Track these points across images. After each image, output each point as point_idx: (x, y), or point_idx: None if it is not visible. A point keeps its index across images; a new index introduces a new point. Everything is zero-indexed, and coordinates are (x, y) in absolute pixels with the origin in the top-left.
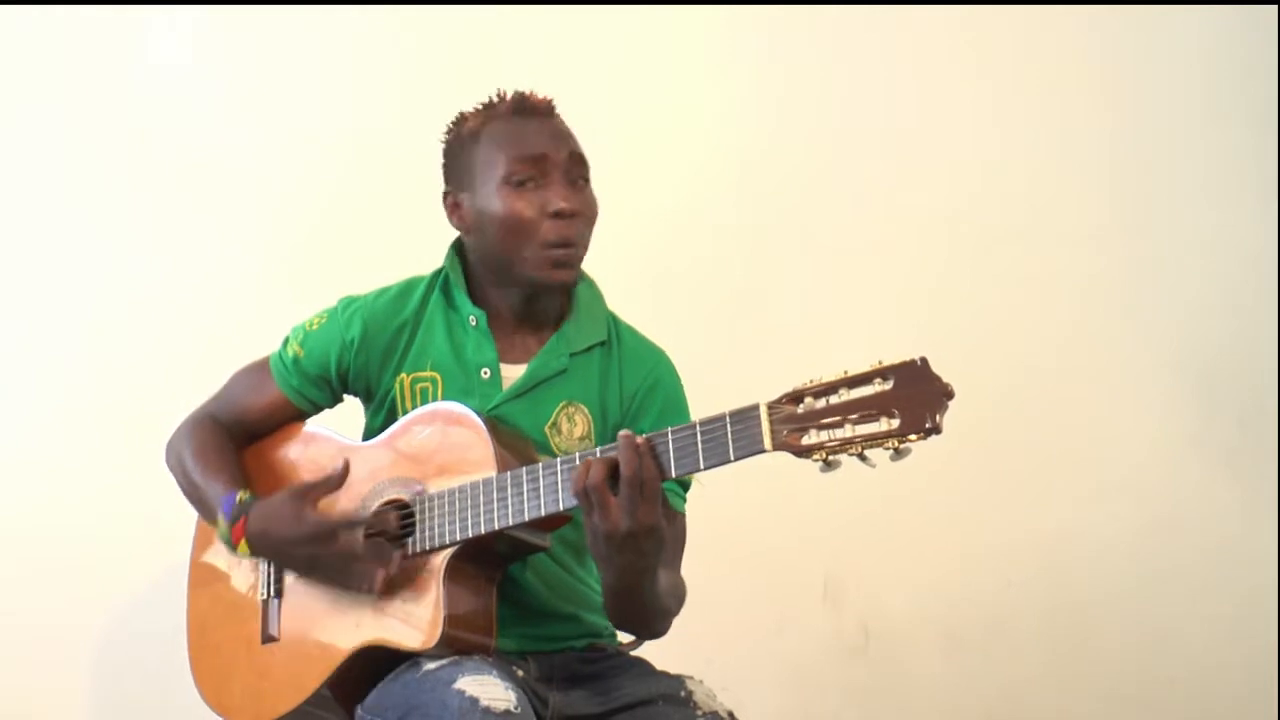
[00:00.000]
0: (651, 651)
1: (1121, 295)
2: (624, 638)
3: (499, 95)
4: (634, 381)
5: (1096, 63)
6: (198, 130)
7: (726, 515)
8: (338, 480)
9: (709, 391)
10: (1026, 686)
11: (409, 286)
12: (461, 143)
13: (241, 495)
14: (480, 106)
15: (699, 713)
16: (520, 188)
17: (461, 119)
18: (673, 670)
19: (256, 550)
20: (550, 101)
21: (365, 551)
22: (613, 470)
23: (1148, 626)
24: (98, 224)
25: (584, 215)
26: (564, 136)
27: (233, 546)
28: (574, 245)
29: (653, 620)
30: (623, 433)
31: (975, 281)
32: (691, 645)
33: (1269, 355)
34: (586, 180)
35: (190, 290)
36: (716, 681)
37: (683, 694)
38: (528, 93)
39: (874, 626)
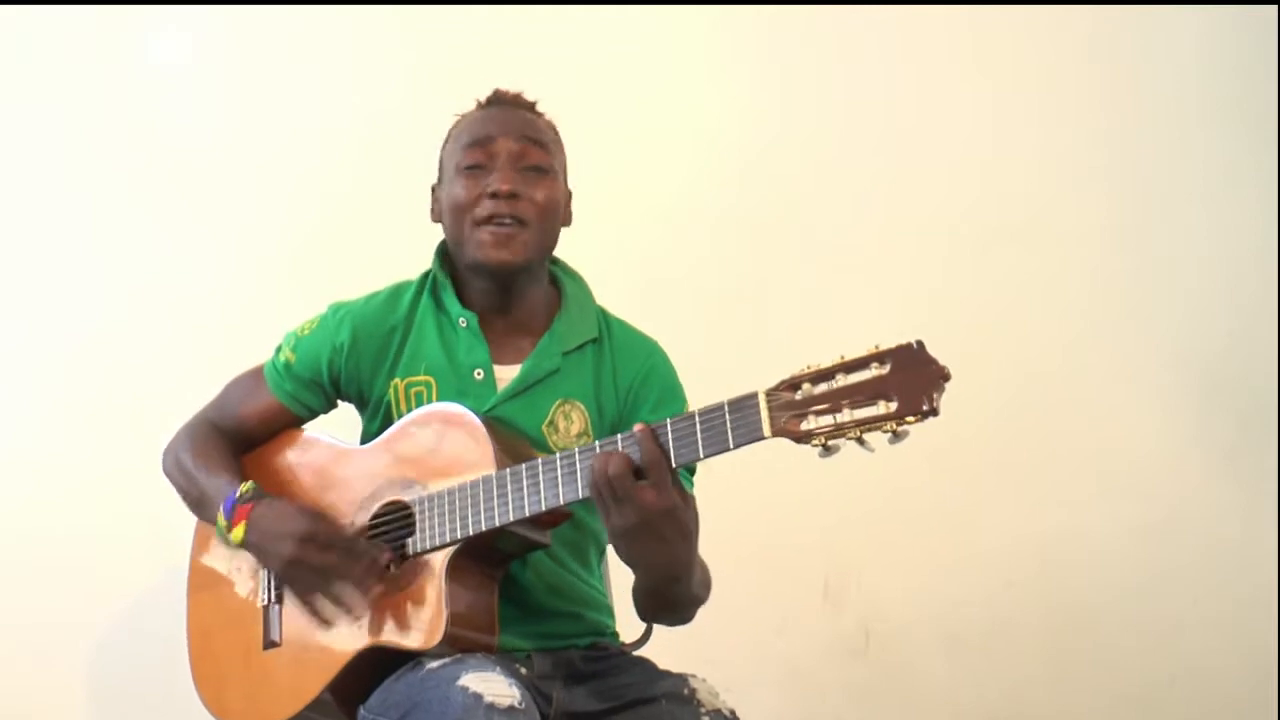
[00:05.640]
0: (653, 651)
1: (1121, 295)
2: (627, 638)
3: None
4: (629, 374)
5: (1096, 63)
6: (198, 130)
7: (727, 515)
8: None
9: (708, 392)
10: (1027, 686)
11: (397, 290)
12: (445, 140)
13: (250, 486)
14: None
15: (703, 711)
16: (470, 172)
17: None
18: (674, 670)
19: (249, 537)
20: (518, 95)
21: (350, 568)
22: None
23: (1148, 626)
24: (98, 223)
25: (527, 199)
26: (521, 125)
27: (229, 528)
28: (511, 223)
29: (685, 609)
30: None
31: (975, 281)
32: (692, 645)
33: (1269, 355)
34: (542, 170)
35: (190, 290)
36: (718, 682)
37: (686, 692)
38: (501, 88)
39: (874, 627)
